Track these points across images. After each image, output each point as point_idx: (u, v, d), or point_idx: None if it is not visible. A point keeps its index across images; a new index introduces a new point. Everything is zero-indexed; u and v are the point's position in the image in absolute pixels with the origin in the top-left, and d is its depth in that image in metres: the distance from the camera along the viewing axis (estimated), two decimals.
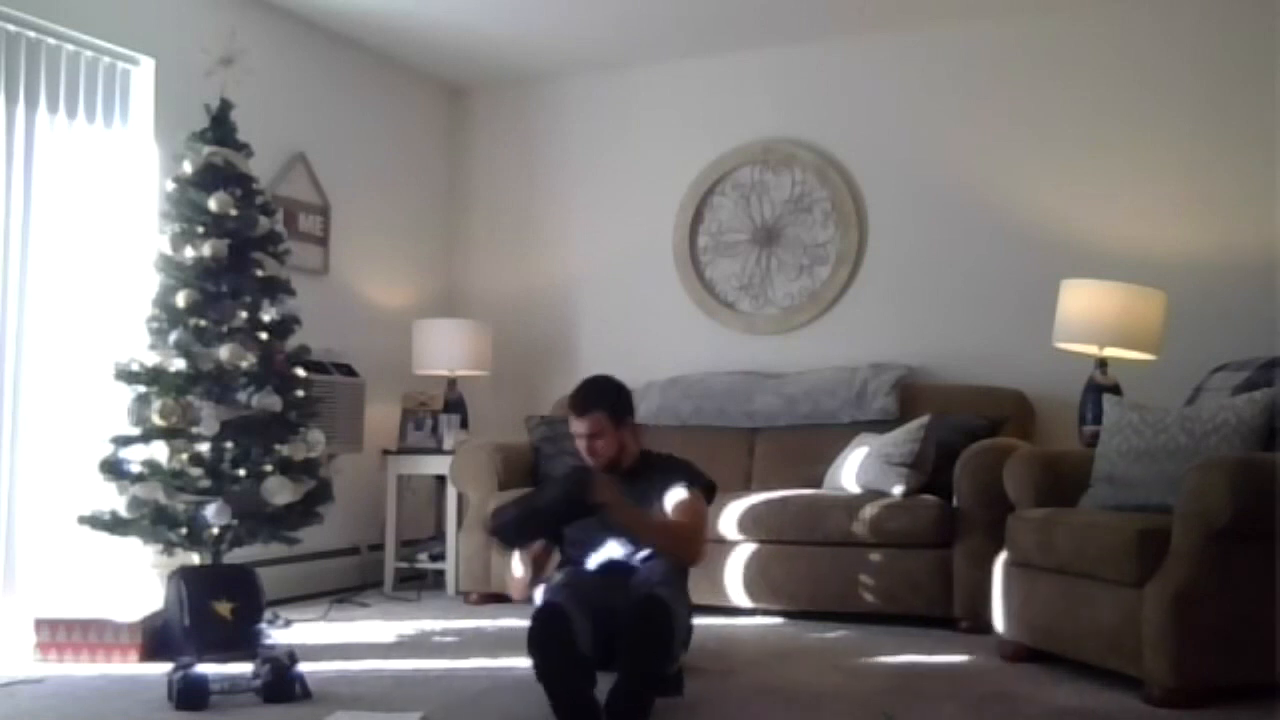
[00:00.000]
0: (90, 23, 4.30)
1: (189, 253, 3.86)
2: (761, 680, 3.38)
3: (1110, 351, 4.39)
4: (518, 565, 3.47)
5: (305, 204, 5.30)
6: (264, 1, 5.06)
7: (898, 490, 4.33)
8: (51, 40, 4.21)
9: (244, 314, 3.91)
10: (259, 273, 3.97)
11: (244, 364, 3.82)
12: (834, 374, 5.14)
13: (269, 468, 3.88)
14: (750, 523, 4.48)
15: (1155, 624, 3.02)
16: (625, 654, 2.87)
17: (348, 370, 5.23)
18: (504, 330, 5.90)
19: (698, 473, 3.54)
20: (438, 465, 5.33)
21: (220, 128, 4.02)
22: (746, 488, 4.95)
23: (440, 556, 5.30)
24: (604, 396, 3.57)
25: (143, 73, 4.55)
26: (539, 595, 3.32)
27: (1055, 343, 4.46)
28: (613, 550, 3.50)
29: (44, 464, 4.12)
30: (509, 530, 3.31)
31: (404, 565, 5.38)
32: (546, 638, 2.88)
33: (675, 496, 3.43)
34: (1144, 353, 4.34)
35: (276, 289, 4.02)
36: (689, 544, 3.39)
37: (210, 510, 3.71)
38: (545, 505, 3.31)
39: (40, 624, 3.70)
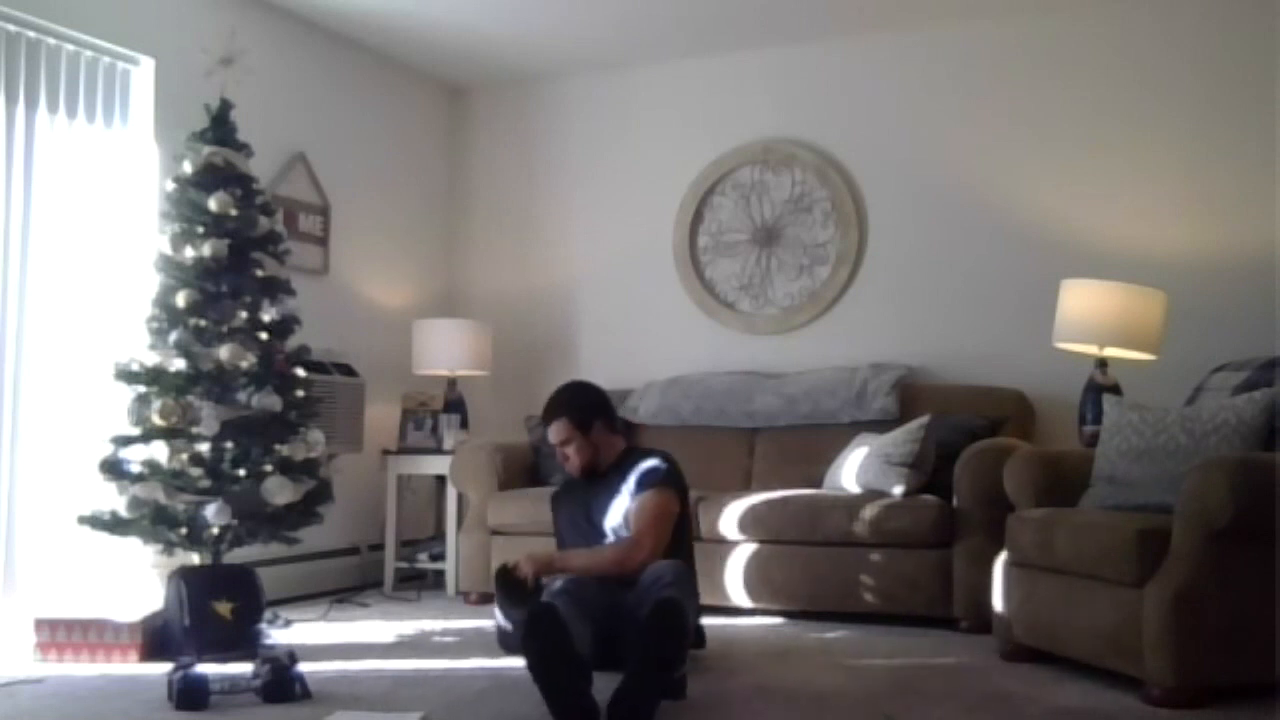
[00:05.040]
0: (90, 23, 4.30)
1: (189, 253, 3.86)
2: (761, 680, 3.38)
3: (1110, 351, 4.39)
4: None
5: (305, 204, 5.30)
6: (264, 1, 5.06)
7: (898, 490, 4.32)
8: (51, 40, 4.21)
9: (244, 314, 3.91)
10: (259, 273, 3.97)
11: (244, 364, 3.82)
12: (834, 374, 5.14)
13: (269, 468, 3.88)
14: (750, 523, 4.48)
15: (1155, 624, 3.02)
16: (636, 655, 2.86)
17: (348, 370, 5.23)
18: (504, 330, 5.90)
19: (656, 467, 3.59)
20: (438, 465, 5.33)
21: (220, 128, 4.02)
22: (746, 488, 4.95)
23: (440, 556, 5.30)
24: (566, 403, 3.65)
25: (143, 73, 4.55)
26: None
27: (1055, 343, 4.46)
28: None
29: (44, 464, 4.12)
30: (514, 639, 3.40)
31: (404, 565, 5.38)
32: (540, 638, 2.88)
33: (634, 505, 3.54)
34: (1144, 353, 4.34)
35: (276, 289, 4.02)
36: (628, 561, 3.42)
37: (210, 510, 3.71)
38: (511, 616, 3.48)
39: (40, 624, 3.70)
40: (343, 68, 5.57)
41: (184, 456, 3.80)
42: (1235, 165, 4.75)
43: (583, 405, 3.65)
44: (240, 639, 3.71)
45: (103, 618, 3.70)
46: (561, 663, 2.85)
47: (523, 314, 6.05)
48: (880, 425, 4.77)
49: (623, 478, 3.61)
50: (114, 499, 3.79)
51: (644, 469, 3.58)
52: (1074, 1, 5.00)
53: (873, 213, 5.41)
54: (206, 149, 3.95)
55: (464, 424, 5.47)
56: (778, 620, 4.44)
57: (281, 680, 3.08)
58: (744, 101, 5.68)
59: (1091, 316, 4.32)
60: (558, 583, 3.36)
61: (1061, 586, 3.39)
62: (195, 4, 4.72)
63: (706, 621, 3.74)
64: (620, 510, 3.59)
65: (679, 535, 3.58)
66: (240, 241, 3.93)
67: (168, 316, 3.87)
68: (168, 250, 3.90)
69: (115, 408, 3.90)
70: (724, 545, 4.50)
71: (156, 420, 3.74)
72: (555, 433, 3.63)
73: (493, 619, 3.77)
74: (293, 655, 3.19)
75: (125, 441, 3.81)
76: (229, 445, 3.84)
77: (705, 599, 3.73)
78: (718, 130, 5.70)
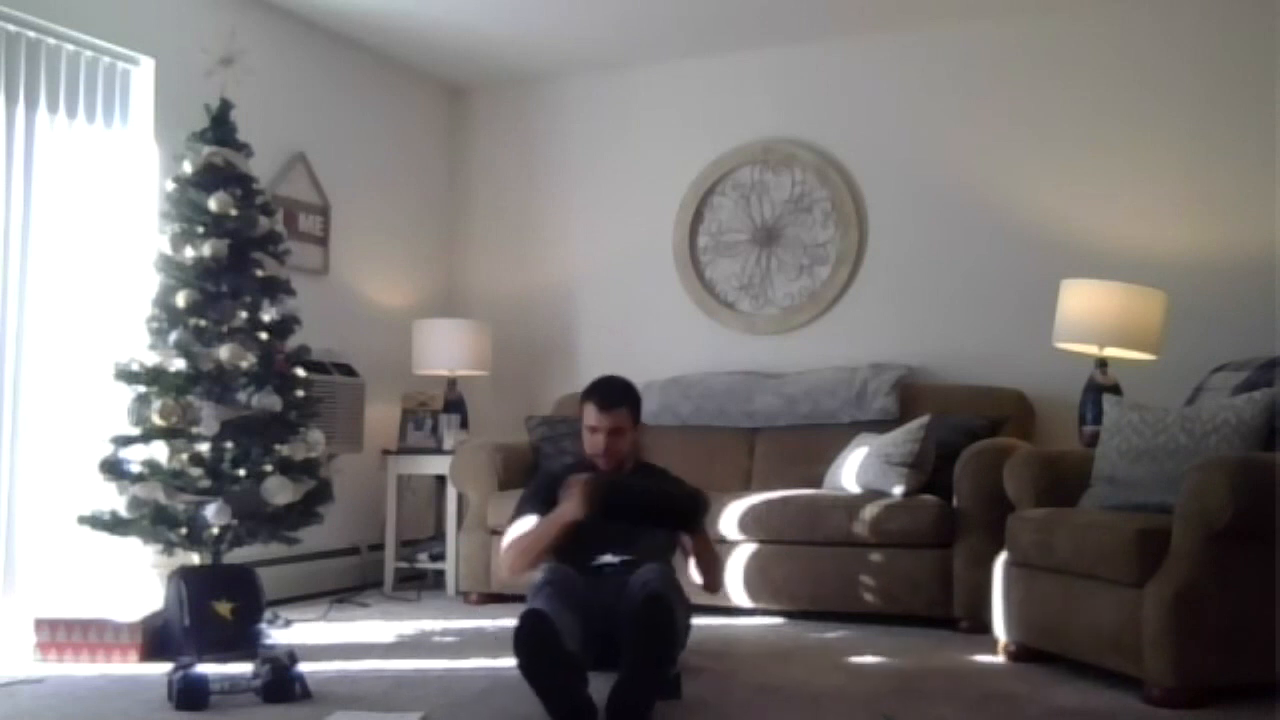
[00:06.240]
0: (90, 23, 4.30)
1: (189, 253, 3.86)
2: (761, 680, 3.38)
3: (1110, 351, 4.39)
4: (529, 538, 3.44)
5: (305, 204, 5.30)
6: (264, 1, 5.06)
7: (898, 490, 4.33)
8: (51, 40, 4.21)
9: (244, 314, 3.91)
10: (259, 273, 3.97)
11: (244, 364, 3.82)
12: (834, 374, 5.14)
13: (269, 468, 3.88)
14: (750, 523, 4.48)
15: (1155, 624, 3.02)
16: (628, 651, 2.87)
17: (348, 370, 5.23)
18: (504, 330, 5.90)
19: (701, 498, 3.56)
20: (438, 465, 5.33)
21: (220, 128, 4.02)
22: (746, 488, 4.95)
23: (440, 556, 5.30)
24: (629, 395, 3.63)
25: (143, 73, 4.55)
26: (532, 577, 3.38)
27: (1055, 343, 4.46)
28: (607, 557, 3.52)
29: (44, 464, 4.12)
30: (622, 500, 3.34)
31: (404, 565, 5.38)
32: (530, 641, 2.87)
33: (697, 542, 3.54)
34: (1144, 353, 4.34)
35: (276, 289, 4.02)
36: (722, 576, 3.75)
37: (210, 510, 3.71)
38: (664, 499, 3.39)
39: (40, 624, 3.70)
40: (343, 68, 5.57)
41: (184, 456, 3.80)
42: (1235, 165, 4.75)
43: (639, 402, 3.68)
44: (240, 639, 3.71)
45: (103, 618, 3.69)
46: (553, 664, 2.85)
47: (523, 314, 6.05)
48: (880, 425, 4.77)
49: None
50: (114, 499, 3.79)
51: (695, 502, 3.50)
52: (1074, 1, 5.00)
53: (873, 213, 5.41)
54: (206, 149, 3.95)
55: (464, 424, 5.47)
56: (778, 620, 4.44)
57: (281, 680, 3.08)
58: (744, 101, 5.68)
59: (1091, 316, 4.32)
60: (538, 575, 3.36)
61: (1061, 586, 3.39)
62: (195, 4, 4.72)
63: (707, 621, 3.76)
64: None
65: (670, 545, 3.61)
66: (240, 241, 3.93)
67: (168, 316, 3.86)
68: (168, 250, 3.90)
69: (115, 408, 3.90)
70: (724, 545, 4.49)
71: (156, 420, 3.74)
72: (613, 419, 3.54)
73: (494, 617, 3.77)
74: (293, 655, 3.19)
75: (125, 441, 3.81)
76: (229, 445, 3.84)
77: (706, 599, 3.74)
78: (718, 130, 5.70)
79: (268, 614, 3.87)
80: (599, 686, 2.85)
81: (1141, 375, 4.46)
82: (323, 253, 5.41)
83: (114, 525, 3.76)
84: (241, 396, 3.86)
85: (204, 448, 3.81)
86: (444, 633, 4.24)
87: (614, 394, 3.58)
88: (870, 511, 4.28)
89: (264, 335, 3.95)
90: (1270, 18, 4.70)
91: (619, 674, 2.83)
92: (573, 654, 2.94)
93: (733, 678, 3.41)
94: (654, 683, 2.87)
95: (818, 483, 4.72)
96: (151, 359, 3.81)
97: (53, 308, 4.18)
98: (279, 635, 3.87)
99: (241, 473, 3.83)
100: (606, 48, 5.68)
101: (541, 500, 3.52)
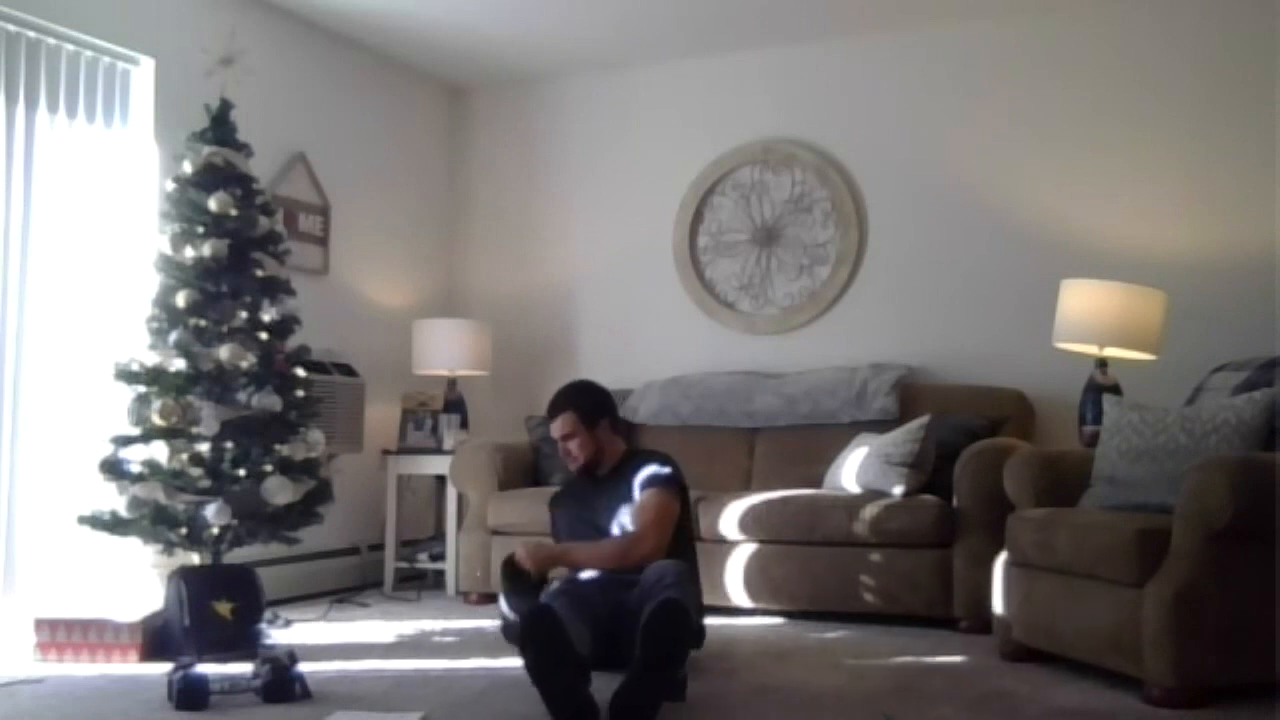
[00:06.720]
0: (90, 23, 4.30)
1: (189, 253, 3.86)
2: (761, 680, 3.38)
3: (1110, 351, 4.39)
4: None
5: (305, 204, 5.30)
6: (264, 1, 5.06)
7: (898, 490, 4.32)
8: (51, 40, 4.21)
9: (244, 314, 3.91)
10: (259, 273, 3.97)
11: (244, 364, 3.82)
12: (834, 374, 5.14)
13: (269, 468, 3.88)
14: (750, 523, 4.48)
15: (1155, 624, 3.02)
16: (638, 655, 2.86)
17: (348, 370, 5.23)
18: (504, 330, 5.90)
19: (658, 471, 3.58)
20: (438, 465, 5.33)
21: (220, 128, 4.02)
22: (746, 488, 4.95)
23: (440, 556, 5.30)
24: (573, 398, 3.70)
25: (143, 73, 4.55)
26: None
27: (1055, 343, 4.46)
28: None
29: (44, 464, 4.12)
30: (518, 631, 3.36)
31: (404, 565, 5.38)
32: (538, 639, 2.88)
33: (636, 503, 3.54)
34: (1144, 353, 4.34)
35: (276, 289, 4.02)
36: (630, 554, 3.43)
37: (210, 510, 3.71)
38: (516, 607, 3.38)
39: (40, 624, 3.70)
40: (343, 68, 5.57)
41: (184, 456, 3.80)
42: (1235, 165, 4.75)
43: (590, 402, 3.70)
44: (240, 639, 3.71)
45: (103, 618, 3.70)
46: (560, 663, 2.85)
47: (523, 314, 6.05)
48: (880, 425, 4.77)
49: (626, 481, 3.60)
50: (114, 499, 3.79)
51: (648, 472, 3.58)
52: (1074, 1, 5.00)
53: (873, 213, 5.41)
54: (206, 149, 3.95)
55: (464, 424, 5.47)
56: (778, 620, 4.44)
57: (281, 680, 3.08)
58: (744, 101, 5.67)
59: (1091, 316, 4.32)
60: (556, 584, 3.37)
61: (1061, 586, 3.39)
62: (195, 4, 4.72)
63: (706, 621, 3.74)
64: (626, 513, 3.58)
65: (681, 536, 3.60)
66: (240, 241, 3.93)
67: (168, 316, 3.87)
68: (168, 250, 3.90)
69: (115, 408, 3.90)
70: (724, 545, 4.50)
71: (156, 420, 3.74)
72: (560, 426, 3.65)
73: (494, 617, 3.77)
74: (293, 655, 3.19)
75: (125, 441, 3.82)
76: (229, 445, 3.84)
77: (705, 599, 3.74)
78: (718, 130, 5.70)
79: (268, 614, 3.87)
80: (601, 686, 2.85)
81: (1141, 375, 4.46)
82: (323, 253, 5.41)
83: (114, 525, 3.77)
84: (241, 396, 3.86)
85: (204, 448, 3.82)
86: (444, 633, 4.24)
87: (554, 401, 3.72)
88: (870, 511, 4.28)
89: (264, 335, 3.95)
90: (1270, 18, 4.70)
91: (626, 674, 2.82)
92: (580, 656, 2.94)
93: (733, 678, 3.41)
94: (661, 687, 2.86)
95: (818, 483, 4.72)
96: (151, 359, 3.82)
97: (53, 308, 4.18)
98: (279, 635, 3.87)
99: (241, 473, 3.83)
100: (606, 48, 5.68)
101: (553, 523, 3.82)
